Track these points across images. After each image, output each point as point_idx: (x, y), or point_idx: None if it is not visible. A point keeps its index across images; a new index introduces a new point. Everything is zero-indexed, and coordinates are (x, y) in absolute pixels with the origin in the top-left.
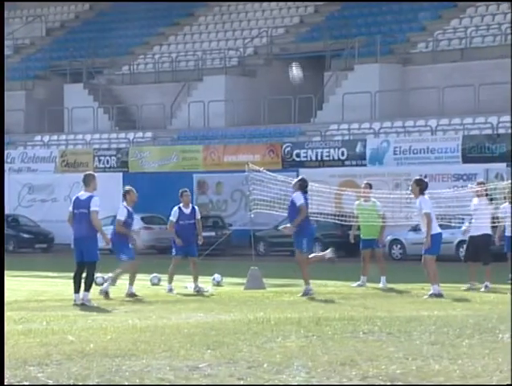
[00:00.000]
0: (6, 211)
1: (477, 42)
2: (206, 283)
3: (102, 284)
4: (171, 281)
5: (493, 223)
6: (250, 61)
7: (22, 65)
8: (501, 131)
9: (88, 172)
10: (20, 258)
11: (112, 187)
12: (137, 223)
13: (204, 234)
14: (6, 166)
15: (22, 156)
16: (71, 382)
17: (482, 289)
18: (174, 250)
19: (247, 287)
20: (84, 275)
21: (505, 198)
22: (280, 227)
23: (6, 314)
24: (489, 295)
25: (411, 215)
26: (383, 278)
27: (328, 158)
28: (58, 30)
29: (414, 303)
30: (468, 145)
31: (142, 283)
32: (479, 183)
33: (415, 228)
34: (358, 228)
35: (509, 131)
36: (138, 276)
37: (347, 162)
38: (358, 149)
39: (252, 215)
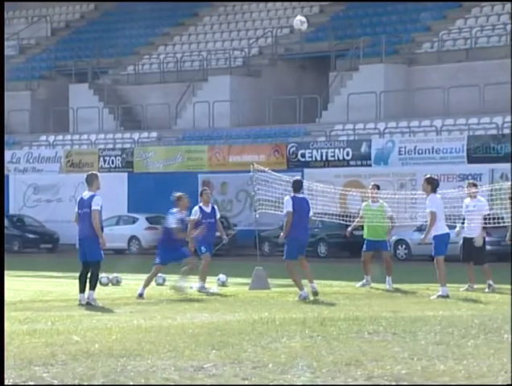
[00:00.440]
0: (12, 212)
1: (482, 42)
2: (211, 283)
3: (107, 284)
4: (204, 279)
5: (487, 223)
6: (255, 61)
7: (27, 65)
8: (506, 131)
9: (91, 172)
10: (25, 258)
11: (117, 188)
12: (143, 223)
13: None
14: (12, 166)
15: (27, 156)
16: (76, 382)
17: (486, 290)
18: (203, 248)
19: (252, 287)
20: (89, 275)
21: None
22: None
23: (11, 314)
24: (494, 295)
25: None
26: (389, 279)
27: (332, 158)
28: (63, 30)
29: (419, 303)
30: (474, 145)
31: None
32: (470, 184)
33: (420, 228)
34: (358, 228)
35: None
36: (143, 276)
37: (352, 163)
38: (363, 149)
39: (257, 216)
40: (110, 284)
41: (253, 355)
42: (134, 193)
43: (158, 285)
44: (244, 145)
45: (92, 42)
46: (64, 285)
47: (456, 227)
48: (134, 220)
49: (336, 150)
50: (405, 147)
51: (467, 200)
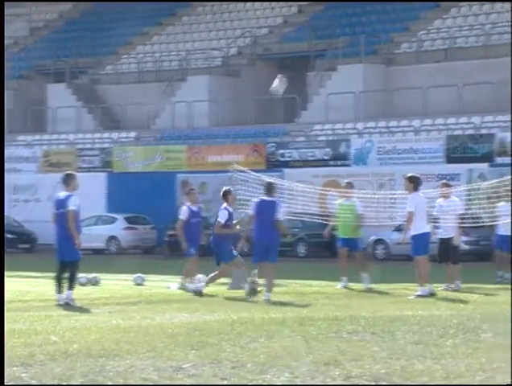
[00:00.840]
0: None
1: (461, 42)
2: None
3: (86, 284)
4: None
5: (464, 223)
6: (234, 61)
7: (5, 65)
8: (484, 131)
9: (67, 172)
10: None
11: (95, 187)
12: (122, 223)
13: None
14: None
15: (5, 156)
16: (55, 382)
17: (454, 287)
18: (192, 250)
19: (231, 287)
20: (66, 275)
21: (498, 197)
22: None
23: None
24: (473, 295)
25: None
26: (365, 276)
27: (312, 158)
28: (42, 29)
29: (398, 303)
30: (452, 145)
31: (126, 283)
32: (443, 185)
33: (399, 228)
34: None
35: (492, 131)
36: (122, 276)
37: (331, 162)
38: (342, 149)
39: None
40: (89, 284)
41: (233, 354)
42: (113, 193)
43: (136, 285)
44: (223, 145)
45: (70, 41)
46: (43, 285)
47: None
48: (113, 220)
49: (316, 150)
50: (384, 147)
51: (440, 200)
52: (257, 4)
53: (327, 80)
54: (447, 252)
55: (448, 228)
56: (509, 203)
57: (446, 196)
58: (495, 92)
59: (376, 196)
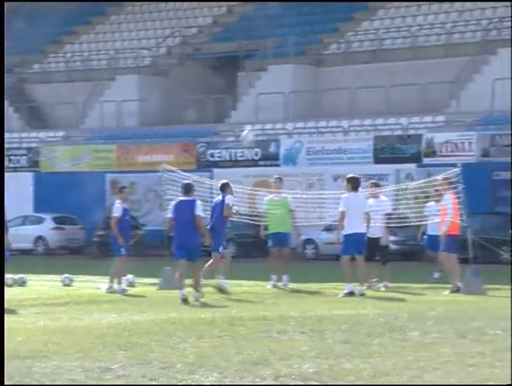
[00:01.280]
0: None
1: (388, 43)
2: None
3: (12, 285)
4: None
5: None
6: (163, 61)
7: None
8: (411, 132)
9: None
10: None
11: (23, 187)
12: (50, 224)
13: None
14: None
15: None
16: None
17: (382, 289)
18: (123, 250)
19: (161, 287)
20: None
21: (427, 197)
22: None
23: None
24: (400, 294)
25: (324, 216)
26: (285, 277)
27: (242, 158)
28: None
29: (327, 302)
30: (380, 145)
31: (54, 284)
32: (372, 184)
33: (329, 228)
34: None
35: (419, 132)
36: (50, 277)
37: (261, 163)
38: (272, 149)
39: (166, 216)
40: (16, 285)
41: (162, 355)
42: (41, 193)
43: (64, 285)
44: (153, 145)
45: None
46: None
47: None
48: (41, 220)
49: (245, 150)
50: (313, 147)
51: (370, 201)
52: (186, 4)
53: (257, 81)
54: (373, 251)
55: (376, 228)
56: (438, 203)
57: (375, 196)
58: (422, 93)
59: (305, 196)
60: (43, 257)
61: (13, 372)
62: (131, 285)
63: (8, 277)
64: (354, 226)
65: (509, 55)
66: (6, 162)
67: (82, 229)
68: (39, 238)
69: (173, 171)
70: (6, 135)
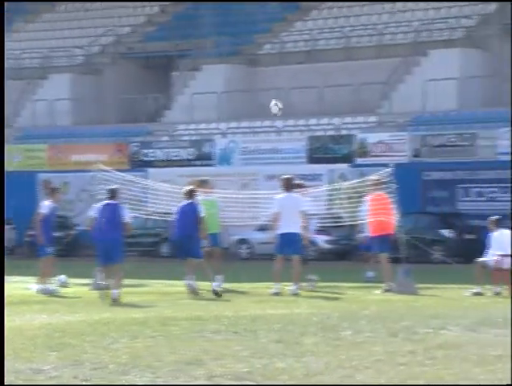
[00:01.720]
0: None
1: (322, 44)
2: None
3: None
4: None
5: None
6: (96, 59)
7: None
8: (344, 132)
9: None
10: None
11: None
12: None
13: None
14: None
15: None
16: None
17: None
18: (49, 249)
19: (93, 288)
20: None
21: (360, 197)
22: None
23: None
24: (333, 294)
25: (258, 215)
26: (219, 277)
27: (176, 158)
28: None
29: (261, 302)
30: (313, 145)
31: None
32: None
33: (262, 228)
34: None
35: (352, 132)
36: None
37: (195, 162)
38: (206, 149)
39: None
40: None
41: (94, 356)
42: None
43: None
44: (86, 145)
45: None
46: None
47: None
48: None
49: (180, 150)
50: (247, 147)
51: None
52: (119, 3)
53: (191, 80)
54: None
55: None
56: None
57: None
58: (355, 93)
59: (240, 196)
60: None
61: None
62: (64, 285)
63: None
64: (288, 226)
65: (440, 56)
66: None
67: (13, 229)
68: None
69: (107, 171)
70: None
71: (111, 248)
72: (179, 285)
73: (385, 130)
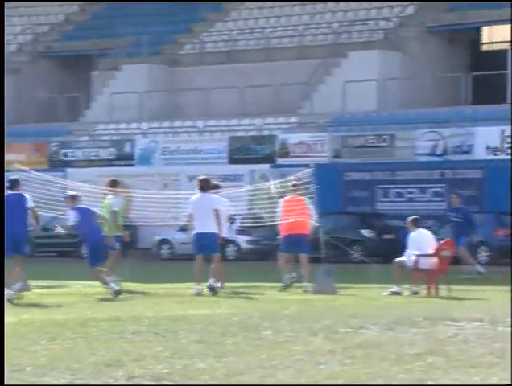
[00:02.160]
0: None
1: (242, 45)
2: None
3: None
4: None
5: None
6: (14, 58)
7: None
8: (265, 133)
9: None
10: None
11: None
12: None
13: None
14: None
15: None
16: None
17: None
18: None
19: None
20: None
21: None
22: None
23: None
24: (254, 294)
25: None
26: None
27: (96, 158)
28: None
29: (182, 303)
30: (235, 146)
31: None
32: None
33: (183, 228)
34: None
35: (273, 133)
36: None
37: (116, 162)
38: (127, 149)
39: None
40: None
41: (12, 358)
42: None
43: None
44: (4, 144)
45: None
46: None
47: None
48: None
49: (100, 150)
50: (168, 147)
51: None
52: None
53: (110, 80)
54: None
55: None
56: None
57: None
58: (275, 94)
59: (161, 196)
60: None
61: None
62: None
63: None
64: (203, 226)
65: (359, 58)
66: None
67: None
68: None
69: (25, 171)
70: None
71: (17, 239)
72: (98, 286)
73: (305, 131)
